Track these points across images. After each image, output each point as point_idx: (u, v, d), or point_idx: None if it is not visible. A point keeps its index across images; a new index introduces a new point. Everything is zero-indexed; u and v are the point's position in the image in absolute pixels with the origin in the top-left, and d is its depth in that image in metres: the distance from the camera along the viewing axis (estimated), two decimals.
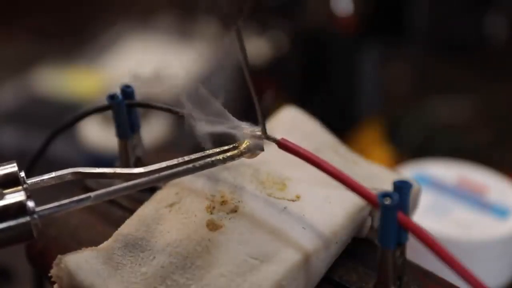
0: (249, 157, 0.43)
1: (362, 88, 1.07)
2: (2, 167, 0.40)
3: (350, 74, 1.05)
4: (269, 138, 0.42)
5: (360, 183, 0.39)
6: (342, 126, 0.97)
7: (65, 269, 0.39)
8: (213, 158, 0.42)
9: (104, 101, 0.46)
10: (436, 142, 1.05)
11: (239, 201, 0.43)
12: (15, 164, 0.40)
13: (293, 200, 0.43)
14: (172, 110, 0.45)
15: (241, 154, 0.42)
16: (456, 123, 1.09)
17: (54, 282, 0.40)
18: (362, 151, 0.63)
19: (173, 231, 0.42)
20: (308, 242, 0.41)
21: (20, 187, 0.39)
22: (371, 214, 0.44)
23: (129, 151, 0.47)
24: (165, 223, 0.42)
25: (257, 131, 0.42)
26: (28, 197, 0.39)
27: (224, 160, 0.42)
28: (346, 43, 1.04)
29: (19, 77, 1.15)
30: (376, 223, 0.44)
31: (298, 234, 0.41)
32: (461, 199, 0.68)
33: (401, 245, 0.39)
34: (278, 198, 0.43)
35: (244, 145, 0.42)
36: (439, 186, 0.70)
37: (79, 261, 0.40)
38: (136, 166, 0.46)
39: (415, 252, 0.42)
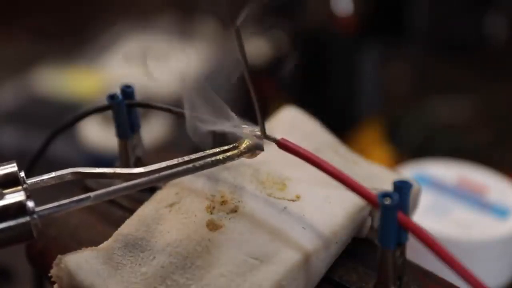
0: (249, 157, 0.43)
1: (362, 88, 1.07)
2: (2, 167, 0.40)
3: (350, 74, 1.05)
4: (269, 138, 0.42)
5: (360, 183, 0.39)
6: (342, 126, 0.97)
7: (65, 269, 0.39)
8: (213, 158, 0.42)
9: (104, 101, 0.46)
10: (436, 142, 1.05)
11: (239, 201, 0.43)
12: (15, 164, 0.40)
13: (293, 200, 0.43)
14: (172, 110, 0.45)
15: (241, 154, 0.42)
16: (456, 123, 1.09)
17: (54, 282, 0.40)
18: (362, 151, 0.63)
19: (173, 231, 0.42)
20: (308, 242, 0.41)
21: (20, 187, 0.39)
22: (371, 214, 0.44)
23: (129, 151, 0.47)
24: (165, 223, 0.42)
25: (257, 131, 0.42)
26: (28, 197, 0.39)
27: (224, 160, 0.42)
28: (346, 43, 1.04)
29: (19, 77, 1.15)
30: (376, 223, 0.44)
31: (298, 234, 0.41)
32: (461, 199, 0.68)
33: (401, 245, 0.39)
34: (278, 198, 0.43)
35: (244, 145, 0.42)
36: (439, 186, 0.70)
37: (79, 261, 0.40)
38: (136, 166, 0.46)
39: (415, 252, 0.42)
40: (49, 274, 0.40)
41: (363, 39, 1.04)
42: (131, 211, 0.44)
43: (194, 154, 0.42)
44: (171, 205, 0.43)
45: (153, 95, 0.97)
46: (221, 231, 0.41)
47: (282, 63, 1.07)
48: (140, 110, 0.47)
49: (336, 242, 0.42)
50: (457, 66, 1.18)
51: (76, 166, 0.42)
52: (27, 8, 1.32)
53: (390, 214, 0.37)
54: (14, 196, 0.39)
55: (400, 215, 0.37)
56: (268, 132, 0.42)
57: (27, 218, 0.38)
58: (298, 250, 0.40)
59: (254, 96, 0.40)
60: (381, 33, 1.07)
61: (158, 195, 0.45)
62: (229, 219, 0.42)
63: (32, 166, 0.51)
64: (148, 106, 0.47)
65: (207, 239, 0.41)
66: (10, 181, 0.39)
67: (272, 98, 1.01)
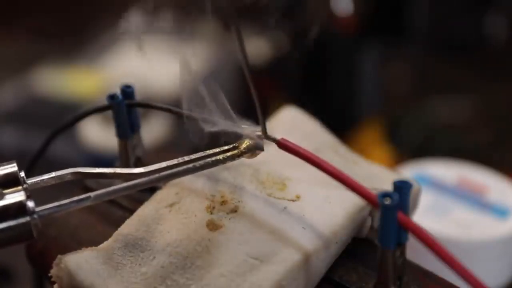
0: (249, 157, 0.43)
1: (362, 88, 1.07)
2: (2, 167, 0.40)
3: (350, 74, 1.05)
4: (269, 138, 0.42)
5: (360, 183, 0.39)
6: (342, 126, 0.97)
7: (65, 269, 0.39)
8: (213, 158, 0.42)
9: (104, 101, 0.46)
10: (436, 142, 1.05)
11: (239, 201, 0.43)
12: (15, 164, 0.40)
13: (293, 200, 0.43)
14: (172, 110, 0.45)
15: (241, 154, 0.42)
16: (456, 123, 1.09)
17: (54, 282, 0.40)
18: (362, 151, 0.63)
19: (173, 231, 0.42)
20: (308, 242, 0.41)
21: (20, 187, 0.39)
22: (371, 214, 0.44)
23: (129, 151, 0.47)
24: (165, 223, 0.42)
25: (257, 131, 0.42)
26: (28, 197, 0.39)
27: (224, 160, 0.42)
28: (346, 43, 1.04)
29: (19, 77, 1.15)
30: (376, 223, 0.44)
31: (298, 234, 0.41)
32: (461, 199, 0.68)
33: (401, 245, 0.39)
34: (278, 198, 0.43)
35: (244, 145, 0.42)
36: (439, 186, 0.70)
37: (79, 261, 0.40)
38: (136, 166, 0.46)
39: (415, 252, 0.42)
40: (49, 274, 0.40)
41: (363, 39, 1.04)
42: (131, 211, 0.44)
43: (194, 154, 0.42)
44: (171, 205, 0.43)
45: (153, 95, 0.97)
46: (221, 231, 0.41)
47: (282, 63, 1.07)
48: (140, 110, 0.47)
49: (336, 242, 0.42)
50: (457, 66, 1.18)
51: (76, 166, 0.42)
52: (27, 8, 1.32)
53: (390, 214, 0.37)
54: (14, 196, 0.39)
55: (400, 215, 0.37)
56: (268, 132, 0.42)
57: (27, 218, 0.38)
58: (298, 250, 0.40)
59: (255, 95, 0.40)
60: (381, 33, 1.07)
61: (158, 195, 0.45)
62: (229, 219, 0.42)
63: (32, 166, 0.51)
64: (148, 106, 0.47)
65: (207, 239, 0.41)
66: (10, 181, 0.39)
67: (272, 98, 1.01)
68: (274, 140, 0.42)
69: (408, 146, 1.02)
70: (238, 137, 0.43)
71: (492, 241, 0.64)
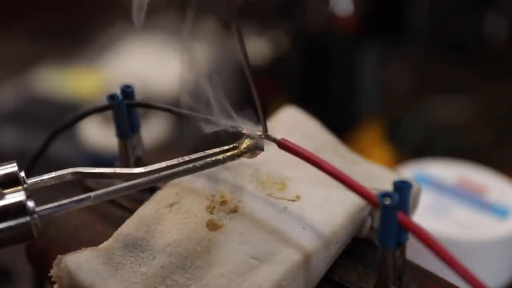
0: (249, 157, 0.43)
1: (362, 88, 1.07)
2: (2, 167, 0.40)
3: (350, 74, 1.05)
4: (269, 138, 0.42)
5: (360, 183, 0.39)
6: (342, 126, 0.97)
7: (65, 269, 0.39)
8: (213, 158, 0.42)
9: (104, 101, 0.46)
10: (436, 142, 1.05)
11: (239, 201, 0.43)
12: (15, 164, 0.40)
13: (293, 200, 0.43)
14: (172, 110, 0.45)
15: (241, 154, 0.42)
16: (456, 123, 1.09)
17: (54, 282, 0.40)
18: (362, 151, 0.63)
19: (173, 231, 0.42)
20: (308, 242, 0.41)
21: (20, 187, 0.39)
22: (371, 214, 0.44)
23: (129, 151, 0.47)
24: (165, 223, 0.42)
25: (257, 131, 0.42)
26: (28, 197, 0.39)
27: (224, 160, 0.42)
28: (346, 43, 1.04)
29: (19, 77, 1.15)
30: (376, 223, 0.44)
31: (298, 234, 0.41)
32: (461, 199, 0.68)
33: (401, 245, 0.39)
34: (278, 198, 0.43)
35: (244, 145, 0.42)
36: (439, 186, 0.70)
37: (79, 261, 0.40)
38: (136, 166, 0.46)
39: (415, 252, 0.42)
40: (49, 274, 0.40)
41: (363, 39, 1.04)
42: (131, 211, 0.44)
43: (194, 154, 0.42)
44: (171, 205, 0.43)
45: (153, 95, 0.97)
46: (221, 231, 0.41)
47: (282, 63, 1.07)
48: (140, 110, 0.47)
49: (336, 242, 0.42)
50: (457, 66, 1.18)
51: (76, 166, 0.42)
52: (27, 8, 1.32)
53: (390, 214, 0.37)
54: (14, 196, 0.39)
55: (400, 215, 0.37)
56: (268, 132, 0.42)
57: (27, 218, 0.38)
58: (298, 250, 0.40)
59: (256, 95, 0.40)
60: (381, 33, 1.07)
61: (158, 195, 0.45)
62: (229, 219, 0.42)
63: (32, 166, 0.51)
64: (148, 106, 0.47)
65: (207, 239, 0.41)
66: (10, 181, 0.39)
67: (272, 98, 1.01)
68: (274, 140, 0.42)
69: (408, 146, 1.02)
70: (238, 137, 0.43)
71: (492, 241, 0.64)
